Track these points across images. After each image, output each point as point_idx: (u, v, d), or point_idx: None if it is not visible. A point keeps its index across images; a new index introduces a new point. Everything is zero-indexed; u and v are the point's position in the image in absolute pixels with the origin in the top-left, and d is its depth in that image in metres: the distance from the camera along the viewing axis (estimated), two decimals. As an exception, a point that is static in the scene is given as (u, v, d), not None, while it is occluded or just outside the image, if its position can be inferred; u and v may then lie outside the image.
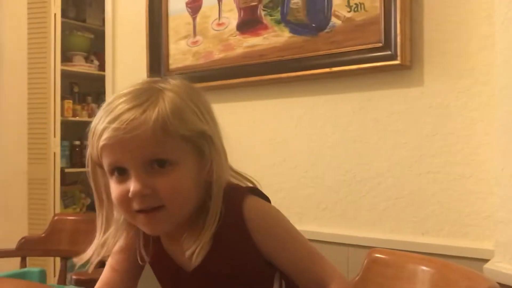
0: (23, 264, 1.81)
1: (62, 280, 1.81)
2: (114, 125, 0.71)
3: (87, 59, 3.55)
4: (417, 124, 1.35)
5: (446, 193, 1.30)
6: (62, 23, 3.09)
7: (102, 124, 0.73)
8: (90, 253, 0.82)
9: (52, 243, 1.87)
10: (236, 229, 0.78)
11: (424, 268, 1.03)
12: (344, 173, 1.47)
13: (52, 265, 2.89)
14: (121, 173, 0.74)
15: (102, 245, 0.81)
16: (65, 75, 3.18)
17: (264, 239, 0.79)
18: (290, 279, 0.84)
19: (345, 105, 1.47)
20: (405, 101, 1.37)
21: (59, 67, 3.06)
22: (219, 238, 0.77)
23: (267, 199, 0.86)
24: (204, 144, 0.76)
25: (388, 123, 1.40)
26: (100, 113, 0.75)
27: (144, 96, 0.73)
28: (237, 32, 1.67)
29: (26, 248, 1.85)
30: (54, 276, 2.73)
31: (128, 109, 0.71)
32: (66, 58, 3.37)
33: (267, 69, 1.59)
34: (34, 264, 2.02)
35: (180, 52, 1.84)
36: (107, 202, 0.80)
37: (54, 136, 3.03)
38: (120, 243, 0.84)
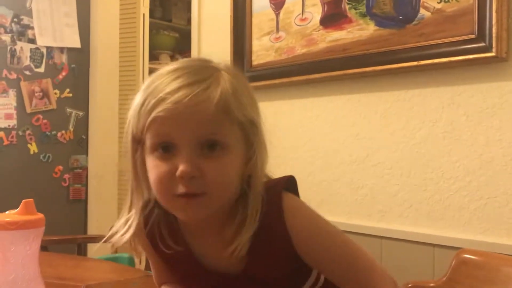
0: (114, 249, 1.93)
1: (148, 266, 1.90)
2: (173, 98, 0.65)
3: (172, 58, 3.69)
4: (513, 119, 1.27)
5: (546, 194, 1.22)
6: (150, 23, 3.24)
7: (156, 96, 0.67)
8: (115, 230, 0.76)
9: (141, 232, 1.97)
10: (275, 230, 0.73)
11: (520, 272, 0.97)
12: (432, 170, 1.41)
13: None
14: (166, 150, 0.68)
15: (124, 223, 0.76)
16: (152, 73, 3.33)
17: (305, 244, 0.74)
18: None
19: (433, 99, 1.42)
20: (500, 95, 1.29)
21: (147, 65, 3.21)
22: (257, 238, 0.71)
23: (298, 193, 0.80)
24: (252, 134, 0.72)
25: (480, 119, 1.33)
26: (149, 86, 0.70)
27: (204, 73, 0.69)
28: (320, 27, 1.66)
29: (117, 235, 1.96)
30: (140, 262, 2.88)
31: (190, 84, 0.67)
32: (153, 56, 3.53)
33: (350, 63, 1.56)
34: (124, 250, 2.14)
35: (263, 48, 1.86)
36: (140, 182, 0.74)
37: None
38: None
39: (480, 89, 1.33)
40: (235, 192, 0.72)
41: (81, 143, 2.94)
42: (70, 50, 2.86)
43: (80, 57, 2.91)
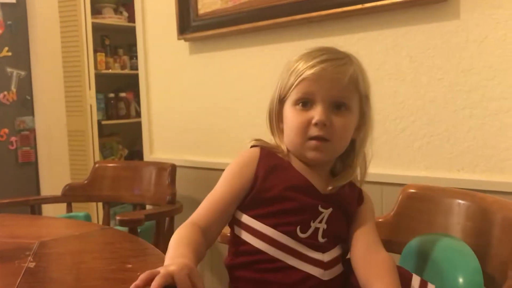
0: (69, 209, 1.91)
1: (106, 224, 1.91)
2: (322, 66, 0.89)
3: (116, 11, 3.55)
4: (453, 59, 1.32)
5: (483, 129, 1.29)
6: (90, -25, 3.09)
7: (306, 64, 0.90)
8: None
9: (95, 189, 1.96)
10: (357, 190, 1.00)
11: (460, 201, 1.03)
12: (378, 112, 1.45)
13: (95, 210, 3.04)
14: (305, 105, 0.91)
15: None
16: (95, 28, 3.21)
17: (362, 211, 0.99)
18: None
19: (378, 42, 1.45)
20: (441, 35, 1.33)
21: (89, 20, 3.08)
22: (345, 187, 0.96)
23: None
24: (366, 106, 0.96)
25: (423, 59, 1.37)
26: (301, 58, 0.92)
27: (341, 54, 0.93)
28: (266, -27, 1.64)
29: (71, 194, 1.95)
30: (98, 221, 2.87)
31: (332, 59, 0.90)
32: (95, 10, 3.38)
33: (297, 9, 1.56)
34: (79, 210, 2.12)
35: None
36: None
37: (90, 89, 3.09)
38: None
39: (422, 30, 1.36)
40: (345, 147, 0.95)
41: (26, 104, 2.84)
42: (5, 5, 2.71)
43: (17, 13, 2.75)
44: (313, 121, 0.89)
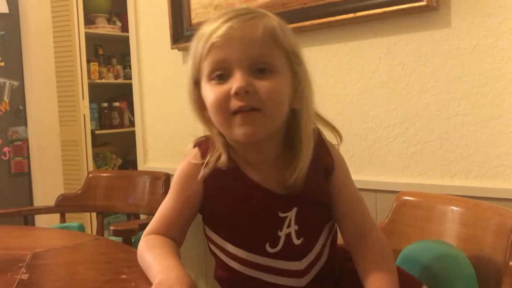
0: (63, 219, 1.90)
1: (100, 234, 1.89)
2: (228, 24, 0.76)
3: (109, 21, 3.56)
4: (445, 66, 1.33)
5: (475, 135, 1.29)
6: (83, -15, 3.10)
7: (212, 26, 0.77)
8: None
9: (88, 199, 1.95)
10: (325, 162, 0.86)
11: (454, 208, 1.04)
12: (371, 119, 1.47)
13: (89, 220, 3.02)
14: (221, 78, 0.78)
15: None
16: (89, 38, 3.21)
17: (337, 181, 0.88)
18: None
19: (370, 51, 1.46)
20: (432, 43, 1.34)
21: (83, 29, 3.08)
22: (310, 168, 0.82)
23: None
24: (297, 63, 0.81)
25: (415, 67, 1.38)
26: (207, 23, 0.80)
27: (250, 10, 0.80)
28: (258, -18, 1.65)
29: (64, 205, 1.94)
30: (92, 232, 2.85)
31: (240, 15, 0.78)
32: (88, 20, 3.39)
33: (290, 18, 1.55)
34: (72, 220, 2.11)
35: (202, 6, 1.83)
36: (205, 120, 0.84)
37: (83, 99, 3.09)
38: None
39: (414, 38, 1.37)
40: (285, 117, 0.81)
41: (18, 114, 2.83)
42: (-2, 16, 2.71)
43: (10, 24, 2.75)
44: (232, 91, 0.75)
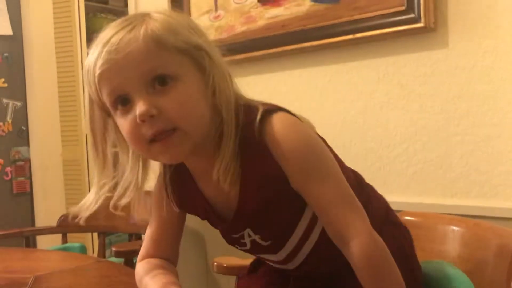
0: (64, 240, 1.90)
1: (101, 254, 1.89)
2: (105, 49, 0.68)
3: (111, 41, 3.59)
4: (443, 86, 1.34)
5: (475, 155, 1.30)
6: (85, 6, 3.13)
7: (94, 55, 0.70)
8: (92, 198, 0.80)
9: (90, 219, 1.93)
10: (256, 146, 0.72)
11: (455, 228, 1.04)
12: (371, 139, 1.48)
13: (90, 241, 3.01)
14: (124, 103, 0.70)
15: (101, 187, 0.79)
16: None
17: (287, 161, 0.72)
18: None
19: (369, 71, 1.47)
20: (430, 64, 1.36)
21: (85, 51, 3.11)
22: (245, 161, 0.72)
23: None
24: (202, 58, 0.71)
25: (413, 87, 1.39)
26: (90, 50, 0.72)
27: (129, 20, 0.71)
28: (258, 4, 1.67)
29: (66, 225, 1.94)
30: (93, 252, 2.84)
31: (120, 30, 0.69)
32: (91, 41, 3.41)
33: (289, 40, 1.59)
34: (74, 240, 2.11)
35: (203, 27, 1.84)
36: (104, 144, 0.78)
37: (85, 119, 3.09)
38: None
39: (412, 59, 1.39)
40: (209, 120, 0.72)
41: (21, 135, 2.84)
42: (1, 37, 2.74)
43: (13, 45, 2.78)
44: (137, 120, 0.67)
